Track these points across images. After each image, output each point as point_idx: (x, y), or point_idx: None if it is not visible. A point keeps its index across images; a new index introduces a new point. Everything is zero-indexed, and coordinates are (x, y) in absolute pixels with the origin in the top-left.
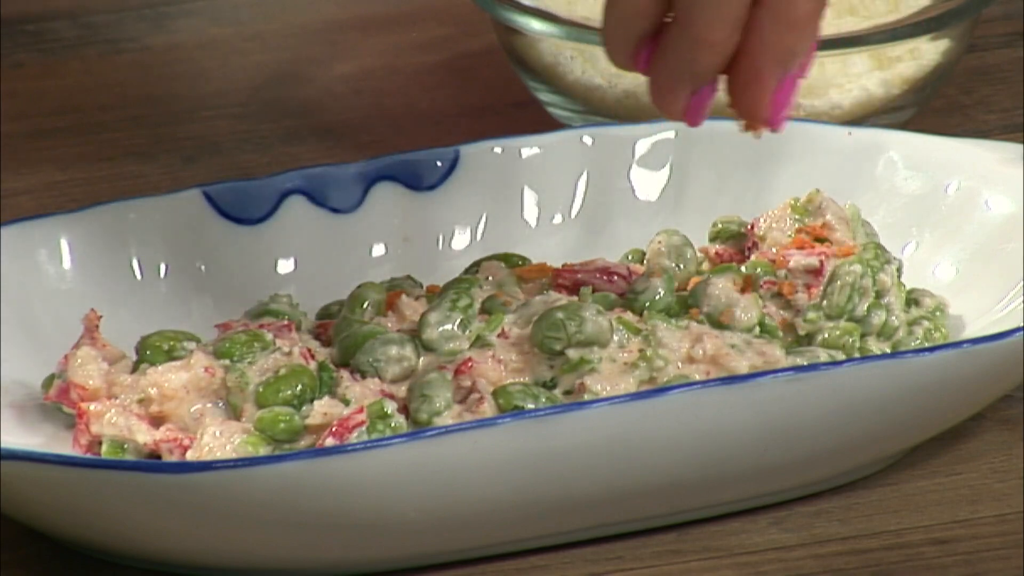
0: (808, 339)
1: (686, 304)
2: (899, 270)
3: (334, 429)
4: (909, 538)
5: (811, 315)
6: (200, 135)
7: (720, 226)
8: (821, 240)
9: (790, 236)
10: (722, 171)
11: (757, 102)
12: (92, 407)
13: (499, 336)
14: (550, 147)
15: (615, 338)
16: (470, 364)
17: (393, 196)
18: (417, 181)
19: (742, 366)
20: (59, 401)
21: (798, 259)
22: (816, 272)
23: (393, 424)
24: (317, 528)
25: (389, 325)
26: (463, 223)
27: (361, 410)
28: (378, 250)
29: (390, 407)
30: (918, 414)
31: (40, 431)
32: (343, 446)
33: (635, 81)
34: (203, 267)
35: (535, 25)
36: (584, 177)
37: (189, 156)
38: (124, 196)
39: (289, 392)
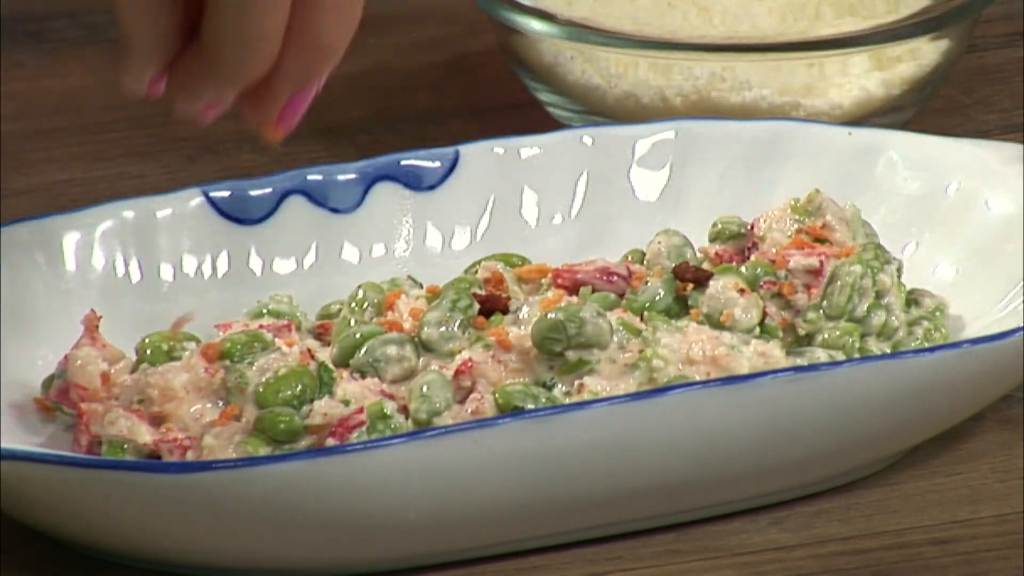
0: (808, 339)
1: (686, 305)
2: (899, 270)
3: (334, 429)
4: (909, 538)
5: (811, 315)
6: (200, 135)
7: (720, 226)
8: (821, 240)
9: (790, 236)
10: (722, 171)
11: (266, 114)
12: (92, 407)
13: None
14: (550, 147)
15: (615, 339)
16: (470, 364)
17: (393, 196)
18: (417, 181)
19: (742, 366)
20: (59, 401)
21: (798, 259)
22: (816, 272)
23: (393, 424)
24: (317, 528)
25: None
26: (463, 223)
27: (361, 410)
28: (378, 250)
29: (390, 407)
30: (918, 414)
31: (40, 431)
32: (343, 446)
33: (635, 81)
34: (203, 267)
35: (535, 25)
36: (584, 177)
37: (189, 156)
38: (124, 196)
39: (289, 392)
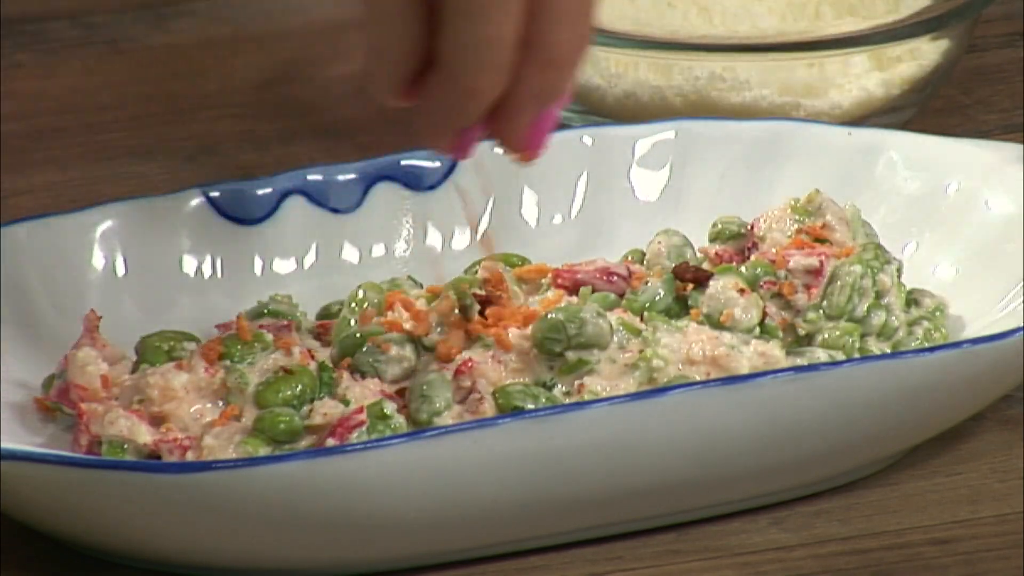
0: (808, 339)
1: (686, 305)
2: (899, 270)
3: (334, 429)
4: (909, 538)
5: (811, 315)
6: (200, 135)
7: (720, 226)
8: (821, 240)
9: (790, 236)
10: (722, 171)
11: (515, 135)
12: (92, 407)
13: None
14: (550, 147)
15: (615, 339)
16: (470, 364)
17: (393, 196)
18: (417, 181)
19: (742, 367)
20: (59, 401)
21: (798, 259)
22: (816, 272)
23: (393, 424)
24: (317, 528)
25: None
26: (463, 223)
27: (361, 410)
28: (378, 250)
29: (390, 407)
30: (918, 414)
31: (40, 431)
32: (343, 446)
33: (635, 81)
34: (203, 267)
35: None
36: (584, 177)
37: (189, 156)
38: (124, 196)
39: (289, 392)
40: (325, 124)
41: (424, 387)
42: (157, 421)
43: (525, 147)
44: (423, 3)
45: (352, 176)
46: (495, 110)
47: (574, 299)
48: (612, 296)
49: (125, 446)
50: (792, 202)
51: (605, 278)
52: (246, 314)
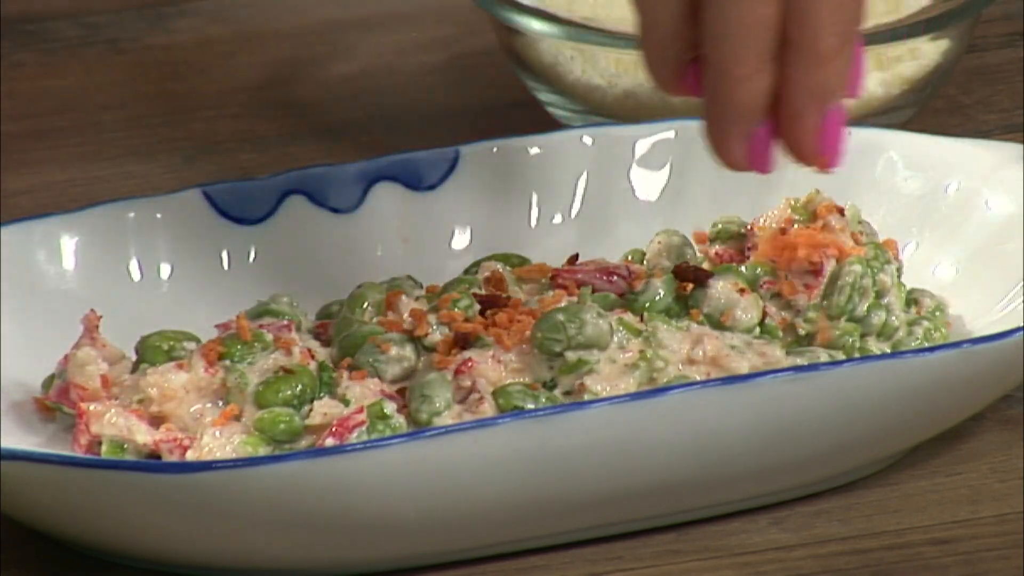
0: (808, 339)
1: (686, 305)
2: (899, 270)
3: (334, 429)
4: (909, 538)
5: (811, 315)
6: (200, 135)
7: (720, 226)
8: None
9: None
10: (722, 171)
11: (804, 142)
12: (92, 407)
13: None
14: (550, 147)
15: (615, 339)
16: (470, 364)
17: (393, 196)
18: (417, 181)
19: (742, 367)
20: (59, 401)
21: (798, 259)
22: (816, 272)
23: (393, 424)
24: (317, 528)
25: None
26: (463, 223)
27: (361, 410)
28: (378, 250)
29: (390, 407)
30: (918, 414)
31: (40, 431)
32: (343, 446)
33: (635, 81)
34: (203, 267)
35: (535, 25)
36: (584, 177)
37: (189, 156)
38: (124, 196)
39: (289, 392)
40: (325, 124)
41: (424, 387)
42: (157, 421)
43: (817, 154)
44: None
45: (352, 176)
46: (778, 117)
47: (575, 299)
48: (612, 296)
49: (125, 446)
50: (792, 202)
51: (605, 278)
52: (246, 314)
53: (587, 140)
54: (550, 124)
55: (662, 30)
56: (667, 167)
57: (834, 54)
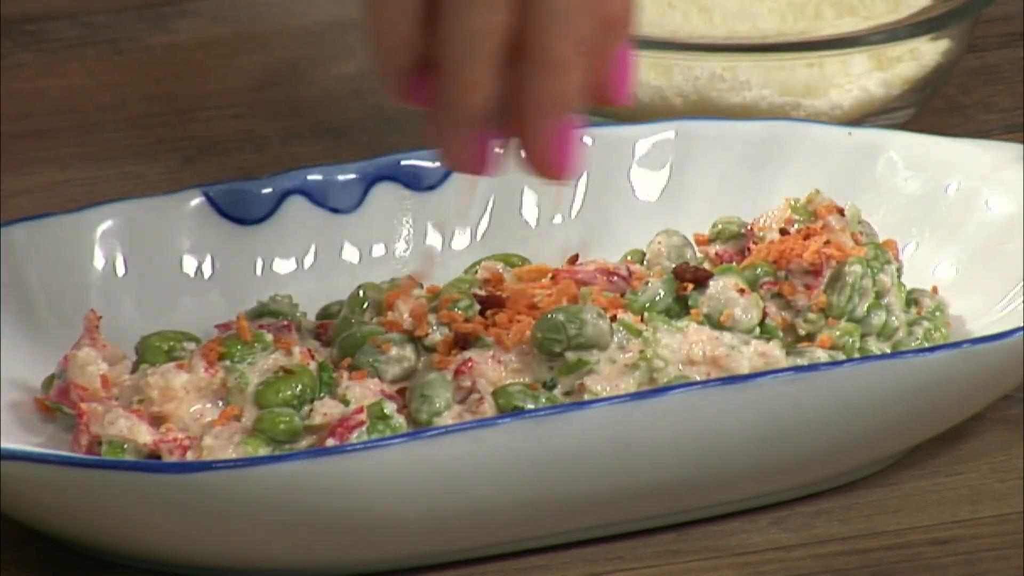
0: (808, 339)
1: (686, 305)
2: (899, 270)
3: (334, 429)
4: (909, 538)
5: (811, 315)
6: (200, 135)
7: (720, 226)
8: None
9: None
10: (722, 171)
11: (534, 151)
12: (92, 407)
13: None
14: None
15: (615, 339)
16: (470, 364)
17: (393, 196)
18: (417, 181)
19: (742, 367)
20: (59, 401)
21: (798, 259)
22: (816, 272)
23: (393, 424)
24: (317, 528)
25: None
26: (463, 223)
27: (361, 410)
28: (378, 250)
29: (390, 407)
30: (918, 414)
31: (40, 431)
32: (343, 446)
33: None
34: (203, 267)
35: None
36: (584, 177)
37: (189, 156)
38: (124, 196)
39: (289, 392)
40: (325, 124)
41: (424, 387)
42: (157, 421)
43: (549, 165)
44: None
45: (352, 176)
46: (514, 125)
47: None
48: (612, 296)
49: (125, 446)
50: (792, 202)
51: (605, 278)
52: (246, 314)
53: (587, 140)
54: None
55: (396, 38)
56: (667, 167)
57: (568, 64)
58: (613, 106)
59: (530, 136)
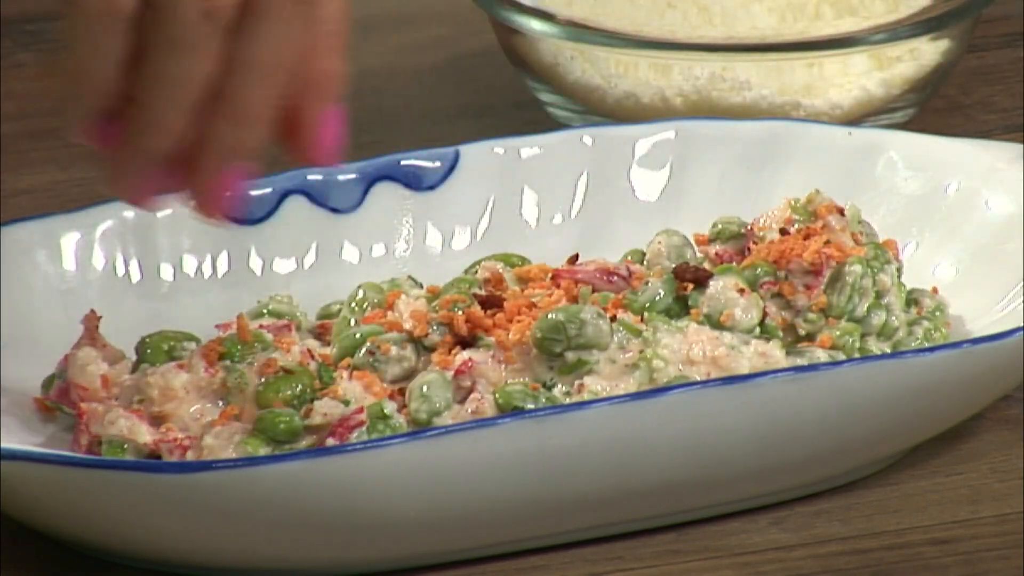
0: (808, 339)
1: (686, 305)
2: (899, 270)
3: (334, 429)
4: (909, 538)
5: (811, 315)
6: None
7: (720, 226)
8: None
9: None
10: (722, 171)
11: (199, 187)
12: (92, 407)
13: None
14: (550, 147)
15: (615, 339)
16: (470, 364)
17: (393, 196)
18: (417, 181)
19: (742, 367)
20: (59, 401)
21: (798, 259)
22: (816, 272)
23: (393, 424)
24: (317, 528)
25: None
26: (463, 223)
27: (361, 410)
28: (378, 250)
29: (390, 407)
30: (918, 414)
31: (40, 431)
32: (343, 446)
33: (635, 81)
34: (203, 267)
35: (535, 25)
36: (584, 177)
37: None
38: None
39: (289, 392)
40: None
41: (424, 387)
42: (157, 421)
43: (210, 205)
44: (127, 42)
45: (352, 176)
46: (184, 161)
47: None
48: (612, 296)
49: (125, 446)
50: (792, 202)
51: (605, 278)
52: (246, 314)
53: (587, 140)
54: (550, 124)
55: (95, 83)
56: (667, 167)
57: (257, 118)
58: (317, 165)
59: (199, 173)
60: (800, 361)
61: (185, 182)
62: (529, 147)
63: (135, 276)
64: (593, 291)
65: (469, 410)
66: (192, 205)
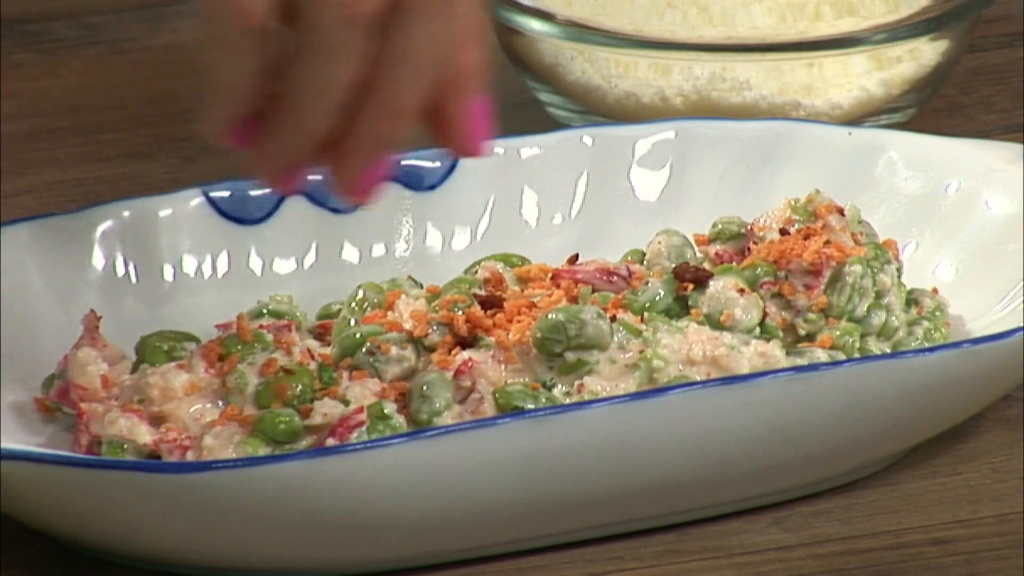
0: (808, 339)
1: (686, 305)
2: (899, 271)
3: (334, 429)
4: (909, 538)
5: (811, 315)
6: (200, 135)
7: (720, 226)
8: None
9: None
10: (722, 171)
11: (347, 177)
12: (92, 407)
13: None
14: (550, 147)
15: (615, 339)
16: (470, 364)
17: (393, 196)
18: (417, 181)
19: (742, 367)
20: (59, 401)
21: (798, 259)
22: (816, 272)
23: (393, 424)
24: (317, 528)
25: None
26: (463, 223)
27: (361, 410)
28: (378, 250)
29: (390, 407)
30: (918, 414)
31: (40, 431)
32: (343, 446)
33: (635, 81)
34: (203, 267)
35: (535, 25)
36: (584, 177)
37: (189, 156)
38: (124, 196)
39: (289, 392)
40: None
41: (424, 387)
42: (157, 421)
43: (354, 191)
44: (267, 53)
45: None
46: (330, 149)
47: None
48: (612, 296)
49: (125, 446)
50: (792, 202)
51: (605, 278)
52: (246, 314)
53: (587, 140)
54: (550, 124)
55: (237, 91)
56: (667, 167)
57: (407, 112)
58: (467, 157)
59: (348, 163)
60: (800, 361)
61: (330, 167)
62: (529, 147)
63: (135, 276)
64: (593, 291)
65: (469, 410)
66: (333, 187)
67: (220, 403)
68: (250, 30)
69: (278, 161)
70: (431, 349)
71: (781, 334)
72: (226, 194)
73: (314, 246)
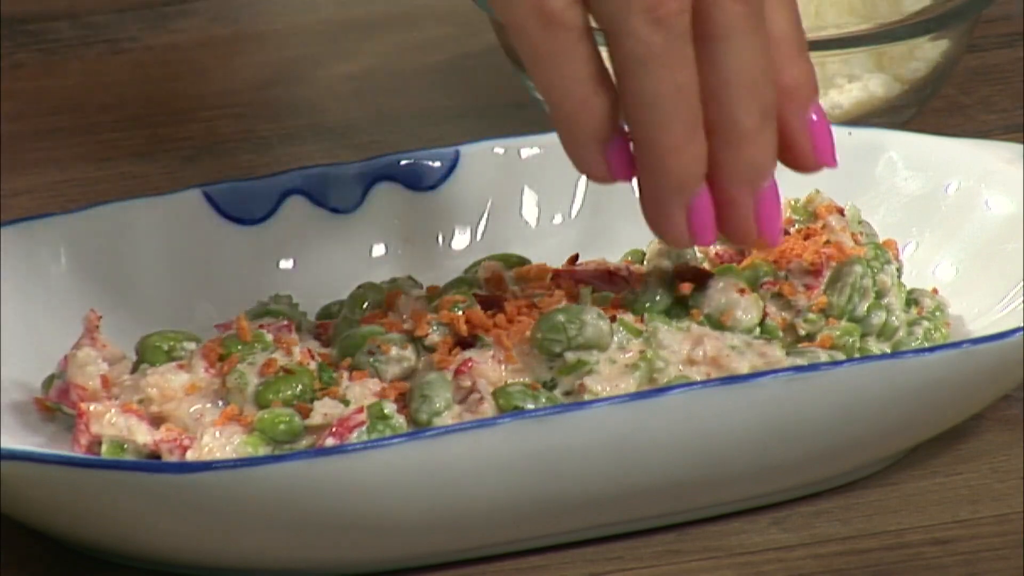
0: (808, 339)
1: (686, 305)
2: (899, 271)
3: (334, 429)
4: (909, 538)
5: (811, 315)
6: (200, 135)
7: None
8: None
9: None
10: None
11: (739, 227)
12: (92, 407)
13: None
14: (550, 147)
15: (615, 339)
16: (470, 364)
17: (393, 196)
18: (417, 181)
19: (742, 367)
20: (59, 401)
21: (798, 259)
22: (816, 272)
23: (393, 424)
24: (317, 528)
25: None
26: (463, 223)
27: (361, 410)
28: (378, 250)
29: (390, 407)
30: (918, 414)
31: (40, 431)
32: (343, 446)
33: None
34: (203, 267)
35: None
36: (584, 177)
37: (189, 156)
38: (124, 196)
39: (289, 392)
40: (325, 124)
41: (424, 387)
42: (157, 421)
43: (754, 234)
44: (588, 55)
45: (352, 176)
46: (714, 202)
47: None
48: (612, 296)
49: (125, 446)
50: (792, 202)
51: (605, 278)
52: (246, 314)
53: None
54: (550, 124)
55: (574, 100)
56: None
57: (755, 133)
58: (815, 170)
59: (732, 212)
60: (800, 361)
61: (719, 221)
62: (529, 147)
63: (135, 276)
64: (593, 291)
65: (469, 410)
66: (731, 240)
67: (220, 403)
68: (563, 26)
69: (663, 197)
70: (431, 349)
71: (781, 334)
72: (226, 194)
73: (314, 246)
